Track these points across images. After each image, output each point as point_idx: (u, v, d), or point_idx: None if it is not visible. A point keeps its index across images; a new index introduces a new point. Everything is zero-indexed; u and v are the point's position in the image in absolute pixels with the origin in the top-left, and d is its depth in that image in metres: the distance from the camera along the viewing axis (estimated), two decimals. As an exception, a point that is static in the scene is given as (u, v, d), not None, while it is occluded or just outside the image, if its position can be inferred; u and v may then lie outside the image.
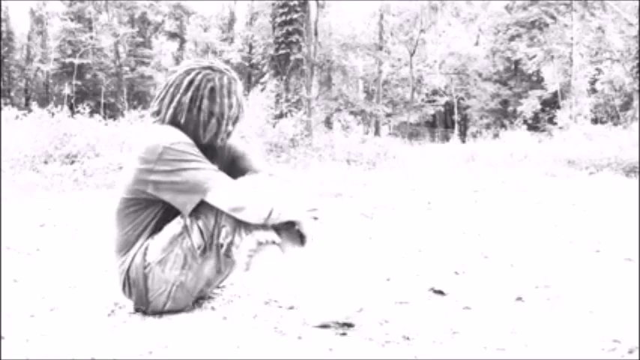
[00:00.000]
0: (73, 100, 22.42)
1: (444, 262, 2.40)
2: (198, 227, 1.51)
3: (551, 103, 25.34)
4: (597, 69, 25.01)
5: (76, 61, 28.02)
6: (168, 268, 1.54)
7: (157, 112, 1.62)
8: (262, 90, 11.08)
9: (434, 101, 32.91)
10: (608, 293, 1.89)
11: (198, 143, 1.58)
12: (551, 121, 21.90)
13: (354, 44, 28.09)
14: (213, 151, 1.66)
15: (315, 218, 1.57)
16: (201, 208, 1.50)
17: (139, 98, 30.97)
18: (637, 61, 18.25)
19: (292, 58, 10.73)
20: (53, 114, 6.99)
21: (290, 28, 10.69)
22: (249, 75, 32.52)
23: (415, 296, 1.86)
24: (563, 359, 1.32)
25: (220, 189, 1.47)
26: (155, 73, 32.75)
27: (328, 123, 22.44)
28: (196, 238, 1.51)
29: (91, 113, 8.15)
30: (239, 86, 1.65)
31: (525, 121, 23.46)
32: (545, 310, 1.71)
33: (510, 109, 29.83)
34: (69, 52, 29.29)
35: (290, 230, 1.57)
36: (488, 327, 1.54)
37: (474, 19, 32.26)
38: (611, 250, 2.67)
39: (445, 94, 32.81)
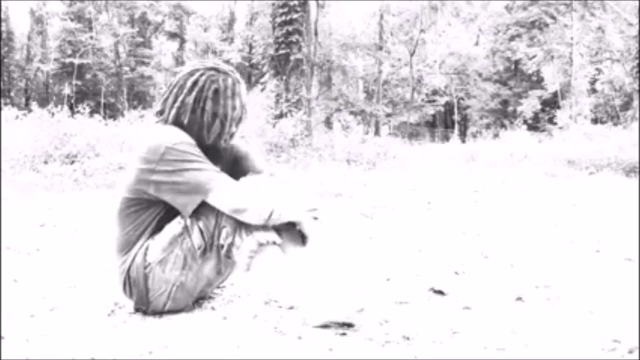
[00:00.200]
0: (73, 100, 22.42)
1: (444, 262, 2.40)
2: (199, 228, 1.51)
3: (551, 103, 25.33)
4: (597, 69, 25.00)
5: (76, 61, 28.02)
6: (168, 269, 1.54)
7: (161, 112, 1.62)
8: (262, 90, 11.08)
9: (434, 101, 32.90)
10: (608, 293, 1.89)
11: (202, 144, 1.58)
12: (551, 121, 21.89)
13: (354, 44, 28.09)
14: (215, 152, 1.65)
15: (315, 218, 1.58)
16: (202, 209, 1.50)
17: (139, 98, 30.97)
18: (637, 61, 18.25)
19: (292, 58, 10.73)
20: (53, 114, 7.00)
21: (290, 28, 10.69)
22: (249, 75, 32.50)
23: (415, 296, 1.86)
24: (563, 359, 1.32)
25: (222, 190, 1.47)
26: (155, 73, 32.76)
27: (328, 123, 22.44)
28: (197, 239, 1.51)
29: (91, 113, 8.16)
30: (243, 88, 1.66)
31: (525, 121, 23.45)
32: (545, 310, 1.71)
33: (510, 109, 29.82)
34: (69, 52, 29.30)
35: (291, 231, 1.57)
36: (488, 327, 1.54)
37: (474, 19, 32.26)
38: (611, 250, 2.67)
39: (445, 94, 32.80)
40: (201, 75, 1.59)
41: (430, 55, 30.70)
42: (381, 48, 28.71)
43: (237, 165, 1.73)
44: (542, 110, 25.91)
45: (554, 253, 2.61)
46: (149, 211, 1.56)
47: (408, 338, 1.43)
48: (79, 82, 28.32)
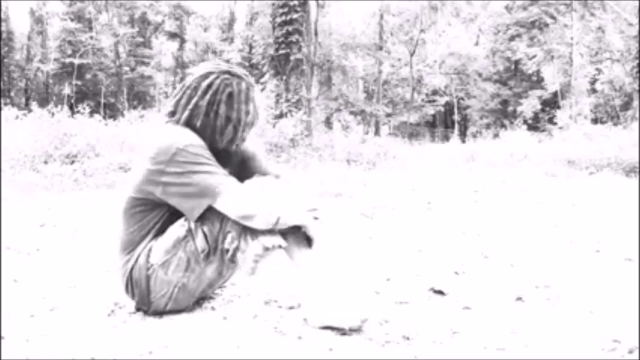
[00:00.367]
0: (73, 100, 22.45)
1: (444, 262, 2.40)
2: (203, 232, 1.50)
3: (551, 103, 25.34)
4: (597, 69, 25.01)
5: (76, 61, 28.04)
6: (171, 271, 1.53)
7: (172, 113, 1.60)
8: (262, 90, 11.07)
9: (434, 101, 32.91)
10: (608, 293, 1.89)
11: (214, 148, 1.57)
12: (551, 121, 21.89)
13: (354, 44, 28.08)
14: (226, 155, 1.64)
15: (316, 218, 1.58)
16: (207, 214, 1.49)
17: (139, 98, 31.00)
18: (637, 61, 18.26)
19: (292, 58, 10.73)
20: (53, 114, 7.00)
21: (290, 28, 10.70)
22: (249, 75, 32.49)
23: (415, 296, 1.86)
24: (563, 359, 1.32)
25: (229, 195, 1.46)
26: (155, 73, 32.79)
27: (328, 123, 22.47)
28: (200, 243, 1.51)
29: (91, 113, 8.17)
30: (256, 92, 1.66)
31: (525, 121, 23.46)
32: (545, 310, 1.71)
33: (510, 109, 29.83)
34: (69, 52, 29.31)
35: (296, 233, 1.58)
36: (488, 327, 1.54)
37: (474, 19, 32.27)
38: (611, 250, 2.67)
39: (445, 94, 32.81)
40: (216, 78, 1.57)
41: (430, 55, 30.70)
42: (381, 48, 28.71)
43: (245, 165, 1.73)
44: (542, 110, 25.91)
45: (554, 253, 2.60)
46: (154, 212, 1.55)
47: (408, 338, 1.43)
48: (79, 82, 28.34)
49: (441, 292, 1.89)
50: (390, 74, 32.50)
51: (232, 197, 1.46)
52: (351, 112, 26.16)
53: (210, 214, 1.49)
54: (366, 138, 12.58)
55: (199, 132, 1.55)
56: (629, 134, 10.15)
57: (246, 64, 30.43)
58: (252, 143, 1.77)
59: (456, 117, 34.56)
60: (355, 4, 28.92)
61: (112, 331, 1.48)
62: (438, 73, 30.53)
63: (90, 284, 1.96)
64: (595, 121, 21.73)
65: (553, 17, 25.29)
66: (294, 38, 10.72)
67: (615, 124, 14.92)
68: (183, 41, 36.63)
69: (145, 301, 1.58)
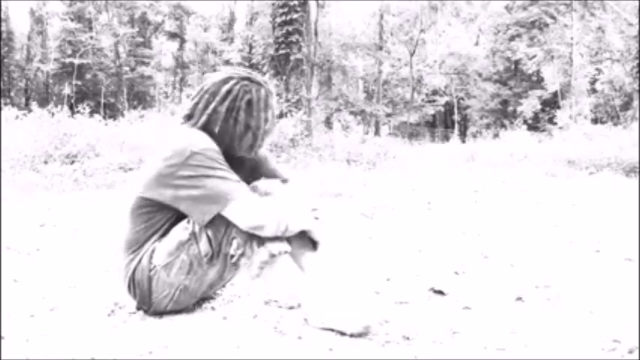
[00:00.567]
0: (73, 100, 22.45)
1: (444, 262, 2.40)
2: (207, 236, 1.49)
3: (551, 103, 25.34)
4: (597, 69, 25.01)
5: (76, 61, 28.05)
6: (173, 273, 1.53)
7: (189, 117, 1.58)
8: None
9: (434, 101, 32.91)
10: (608, 293, 1.89)
11: (229, 154, 1.56)
12: (551, 121, 21.89)
13: (354, 44, 28.09)
14: (240, 161, 1.64)
15: (316, 218, 1.58)
16: (213, 218, 1.48)
17: (138, 98, 31.01)
18: (637, 61, 18.27)
19: (292, 58, 10.74)
20: (53, 114, 7.00)
21: (290, 28, 10.70)
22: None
23: (415, 296, 1.86)
24: (563, 359, 1.32)
25: (239, 205, 1.45)
26: (155, 73, 32.79)
27: (328, 123, 22.47)
28: (204, 246, 1.50)
29: (91, 113, 8.17)
30: (275, 99, 1.65)
31: (525, 121, 23.47)
32: (545, 310, 1.71)
33: (510, 109, 29.83)
34: (69, 52, 29.31)
35: (301, 236, 1.59)
36: (488, 327, 1.54)
37: (474, 19, 32.27)
38: (611, 250, 2.67)
39: (445, 94, 32.81)
40: (235, 84, 1.56)
41: (430, 55, 30.70)
42: (381, 48, 28.72)
43: (257, 168, 1.73)
44: (542, 110, 25.92)
45: (554, 253, 2.60)
46: (162, 213, 1.54)
47: (408, 338, 1.43)
48: (79, 82, 28.35)
49: (441, 292, 1.89)
50: (390, 74, 32.51)
51: (242, 207, 1.45)
52: (351, 112, 26.17)
53: (215, 219, 1.48)
54: (366, 138, 12.58)
55: (217, 138, 1.54)
56: (629, 134, 10.15)
57: (246, 64, 30.44)
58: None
59: (456, 117, 34.57)
60: (355, 4, 28.95)
61: (112, 331, 1.48)
62: (438, 73, 30.53)
63: (90, 284, 1.96)
64: (595, 121, 21.74)
65: (553, 17, 25.29)
66: (294, 38, 10.72)
67: (615, 124, 14.92)
68: (183, 41, 36.63)
69: (146, 302, 1.58)
